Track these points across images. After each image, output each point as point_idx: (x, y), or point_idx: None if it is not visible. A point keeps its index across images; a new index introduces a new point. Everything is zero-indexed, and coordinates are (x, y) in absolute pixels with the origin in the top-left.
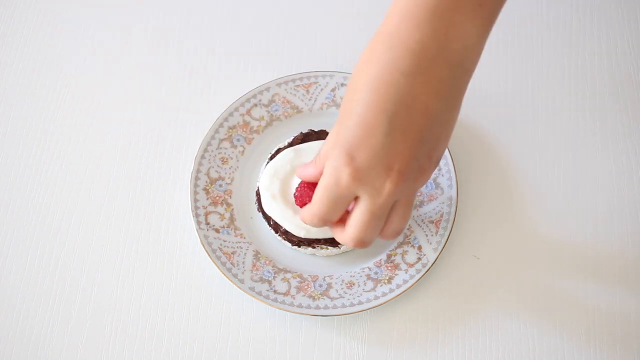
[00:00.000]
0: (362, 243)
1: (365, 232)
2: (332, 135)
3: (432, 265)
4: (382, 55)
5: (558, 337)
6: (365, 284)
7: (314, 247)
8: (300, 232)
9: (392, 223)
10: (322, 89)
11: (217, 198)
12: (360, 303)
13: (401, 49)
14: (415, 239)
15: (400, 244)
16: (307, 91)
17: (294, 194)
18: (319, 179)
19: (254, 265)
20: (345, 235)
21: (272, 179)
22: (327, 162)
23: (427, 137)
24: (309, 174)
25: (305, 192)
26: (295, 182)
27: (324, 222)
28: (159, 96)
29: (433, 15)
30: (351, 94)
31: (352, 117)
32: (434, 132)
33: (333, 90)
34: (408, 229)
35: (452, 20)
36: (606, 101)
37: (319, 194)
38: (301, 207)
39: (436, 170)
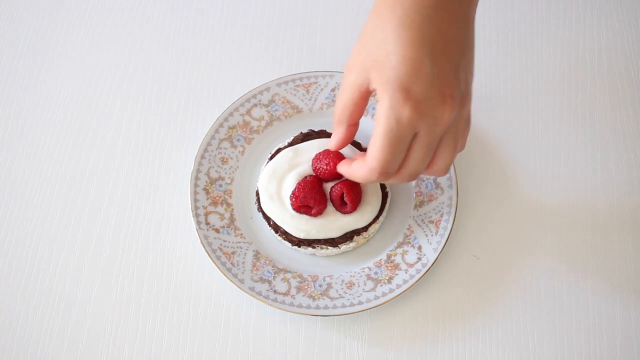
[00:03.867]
0: (415, 177)
1: (422, 165)
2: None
3: (432, 265)
4: None
5: (558, 337)
6: (365, 284)
7: (313, 247)
8: (299, 233)
9: (441, 156)
10: (322, 89)
11: (217, 198)
12: (360, 303)
13: None
14: (415, 239)
15: (400, 244)
16: (307, 91)
17: (291, 195)
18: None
19: (254, 265)
20: (405, 172)
21: (270, 180)
22: (380, 107)
23: (461, 62)
24: (355, 171)
25: (306, 192)
26: (291, 182)
27: (385, 175)
28: (159, 96)
29: None
30: (378, 40)
31: (391, 58)
32: (465, 57)
33: (333, 90)
34: (408, 228)
35: None
36: (606, 101)
37: (378, 144)
38: (296, 209)
39: None
